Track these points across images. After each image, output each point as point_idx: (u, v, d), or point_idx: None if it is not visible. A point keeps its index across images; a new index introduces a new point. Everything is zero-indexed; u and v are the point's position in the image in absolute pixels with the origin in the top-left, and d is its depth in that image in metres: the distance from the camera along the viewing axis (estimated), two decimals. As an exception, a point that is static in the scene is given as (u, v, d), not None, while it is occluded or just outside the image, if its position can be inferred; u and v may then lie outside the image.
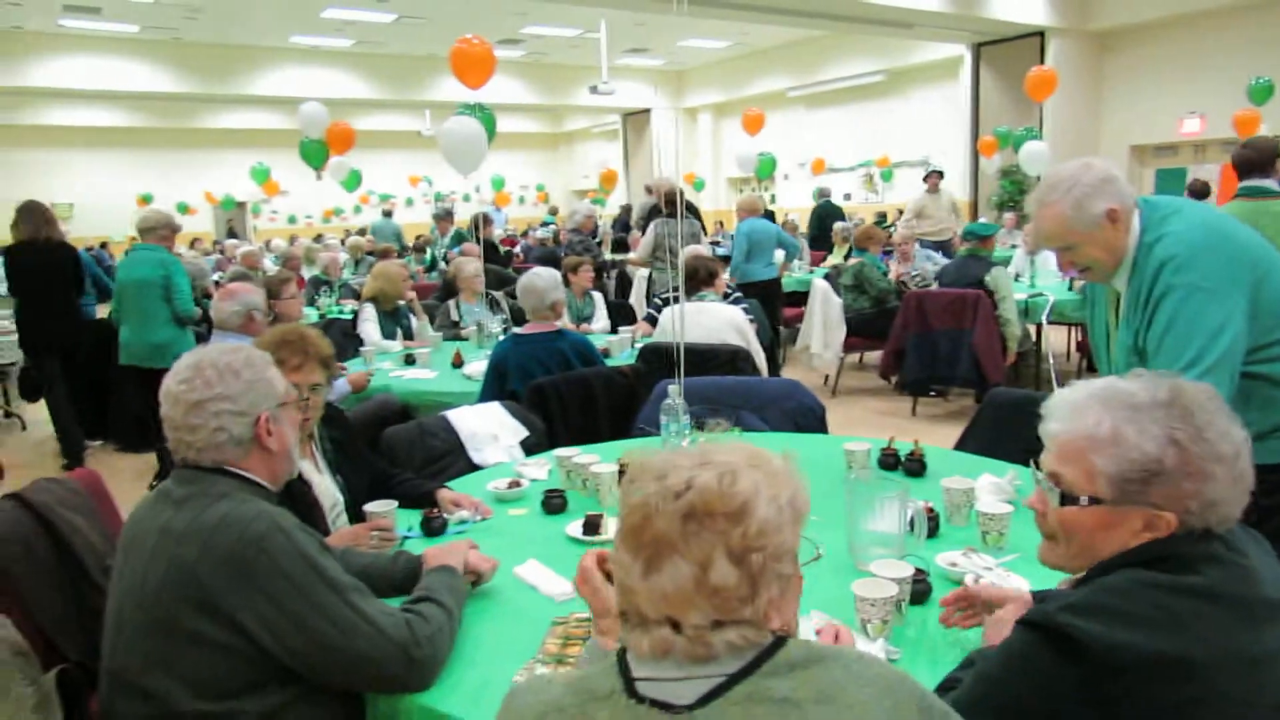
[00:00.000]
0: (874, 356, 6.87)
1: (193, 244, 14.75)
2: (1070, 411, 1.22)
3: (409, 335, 5.27)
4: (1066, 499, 1.21)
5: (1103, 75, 15.10)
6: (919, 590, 1.63)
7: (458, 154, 5.53)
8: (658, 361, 3.67)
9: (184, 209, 20.10)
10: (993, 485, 2.08)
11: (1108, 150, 15.15)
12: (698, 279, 4.18)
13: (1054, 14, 14.10)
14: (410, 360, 4.53)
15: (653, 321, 4.89)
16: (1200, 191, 8.83)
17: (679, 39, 18.28)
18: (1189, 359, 1.82)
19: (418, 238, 13.42)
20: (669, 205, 6.96)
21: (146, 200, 19.95)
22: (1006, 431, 2.63)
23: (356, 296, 7.10)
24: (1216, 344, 1.83)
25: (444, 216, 11.50)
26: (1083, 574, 1.23)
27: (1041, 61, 13.82)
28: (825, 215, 11.22)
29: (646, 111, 22.66)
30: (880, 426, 5.41)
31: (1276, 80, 11.27)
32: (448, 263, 8.28)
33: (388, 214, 14.68)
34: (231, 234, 20.45)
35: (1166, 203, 2.03)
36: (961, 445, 2.80)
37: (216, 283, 7.11)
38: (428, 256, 10.71)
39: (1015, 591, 1.49)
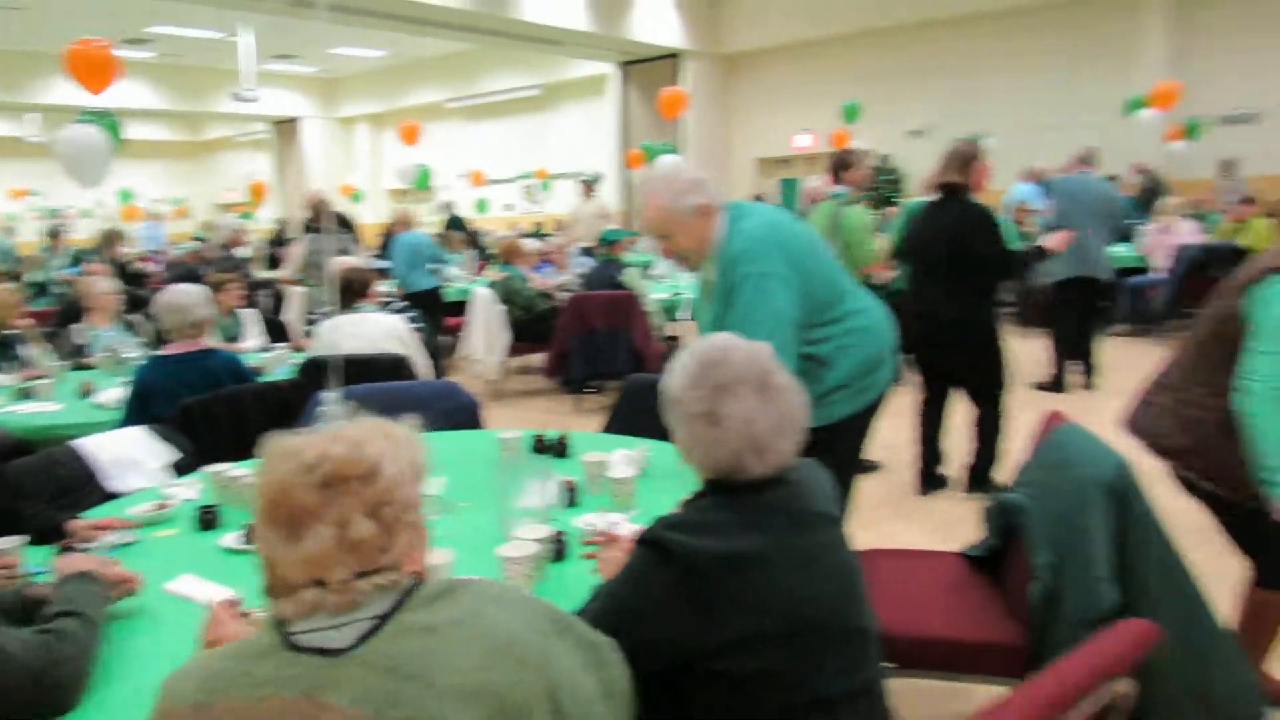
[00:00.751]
0: (539, 359, 7.17)
1: None
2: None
3: (23, 366, 4.69)
4: None
5: (731, 95, 16.81)
6: (558, 549, 1.85)
7: (77, 165, 5.03)
8: (316, 374, 3.64)
9: None
10: (625, 457, 2.37)
11: (738, 161, 16.89)
12: (352, 291, 4.18)
13: (687, 38, 15.47)
14: (26, 394, 4.06)
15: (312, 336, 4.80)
16: (757, 199, 10.86)
17: (330, 46, 17.66)
18: (762, 338, 2.21)
19: (21, 259, 11.78)
20: (320, 219, 6.81)
21: None
22: (642, 411, 2.96)
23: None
24: (782, 323, 2.25)
25: (52, 234, 10.25)
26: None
27: (676, 81, 15.11)
28: (451, 227, 11.55)
29: (297, 120, 21.62)
30: (546, 424, 5.70)
31: (863, 101, 13.25)
32: (70, 285, 7.41)
33: (8, 231, 12.75)
34: None
35: (744, 206, 2.47)
36: (608, 428, 3.11)
37: None
38: (31, 281, 9.39)
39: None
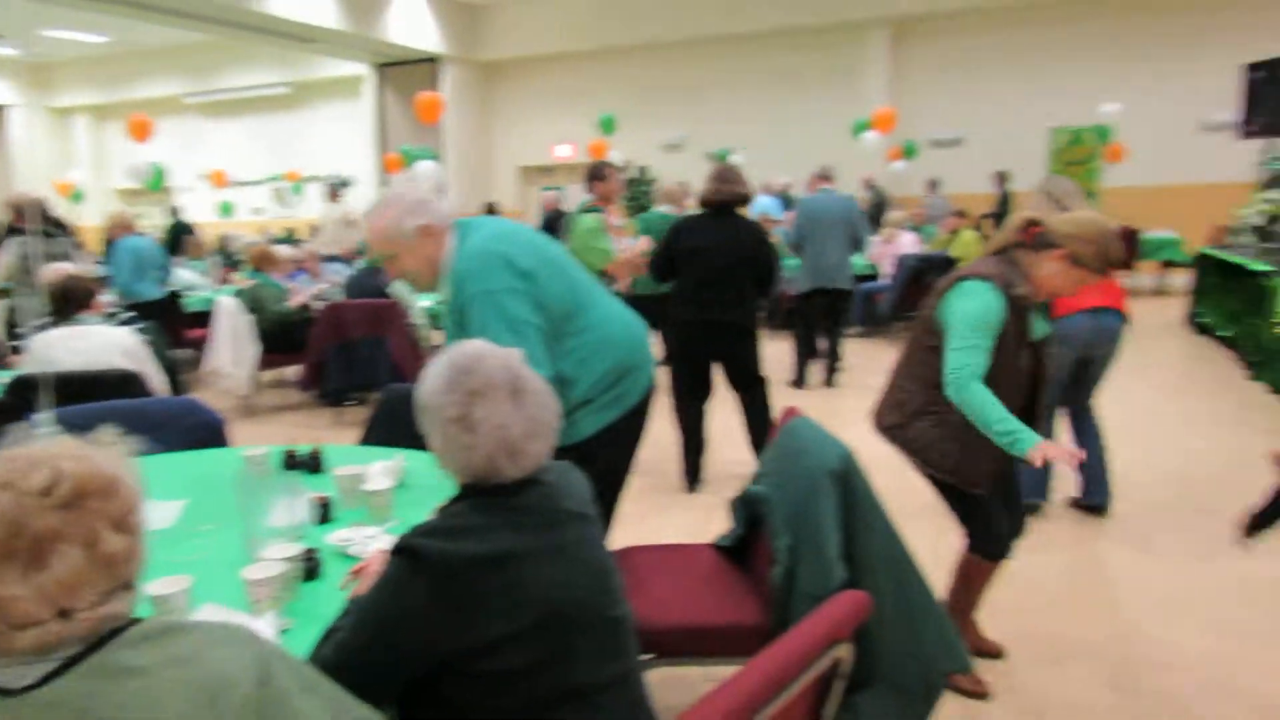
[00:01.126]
0: (294, 371, 6.82)
1: None
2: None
3: None
4: None
5: (492, 102, 16.76)
6: (309, 567, 1.79)
7: None
8: (27, 394, 3.27)
9: None
10: (383, 468, 2.32)
11: (500, 169, 16.88)
12: (71, 301, 3.78)
13: (446, 43, 15.25)
14: None
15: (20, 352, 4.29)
16: (490, 210, 11.35)
17: (40, 27, 15.82)
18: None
19: None
20: (30, 220, 6.11)
21: None
22: (401, 422, 2.90)
23: None
24: (523, 331, 2.23)
25: None
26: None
27: (435, 86, 14.86)
28: (180, 234, 10.79)
29: (1, 109, 19.20)
30: (301, 439, 5.43)
31: (621, 114, 13.65)
32: None
33: None
34: None
35: (472, 222, 2.41)
36: (365, 440, 3.02)
37: None
38: None
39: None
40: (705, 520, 4.19)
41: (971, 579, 2.74)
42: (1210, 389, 6.46)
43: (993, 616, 3.08)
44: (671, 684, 2.61)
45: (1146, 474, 4.57)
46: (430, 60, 15.34)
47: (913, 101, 13.53)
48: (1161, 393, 6.35)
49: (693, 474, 4.65)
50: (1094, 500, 4.04)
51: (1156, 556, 3.65)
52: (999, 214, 11.90)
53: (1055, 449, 2.24)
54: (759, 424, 4.65)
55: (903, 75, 13.72)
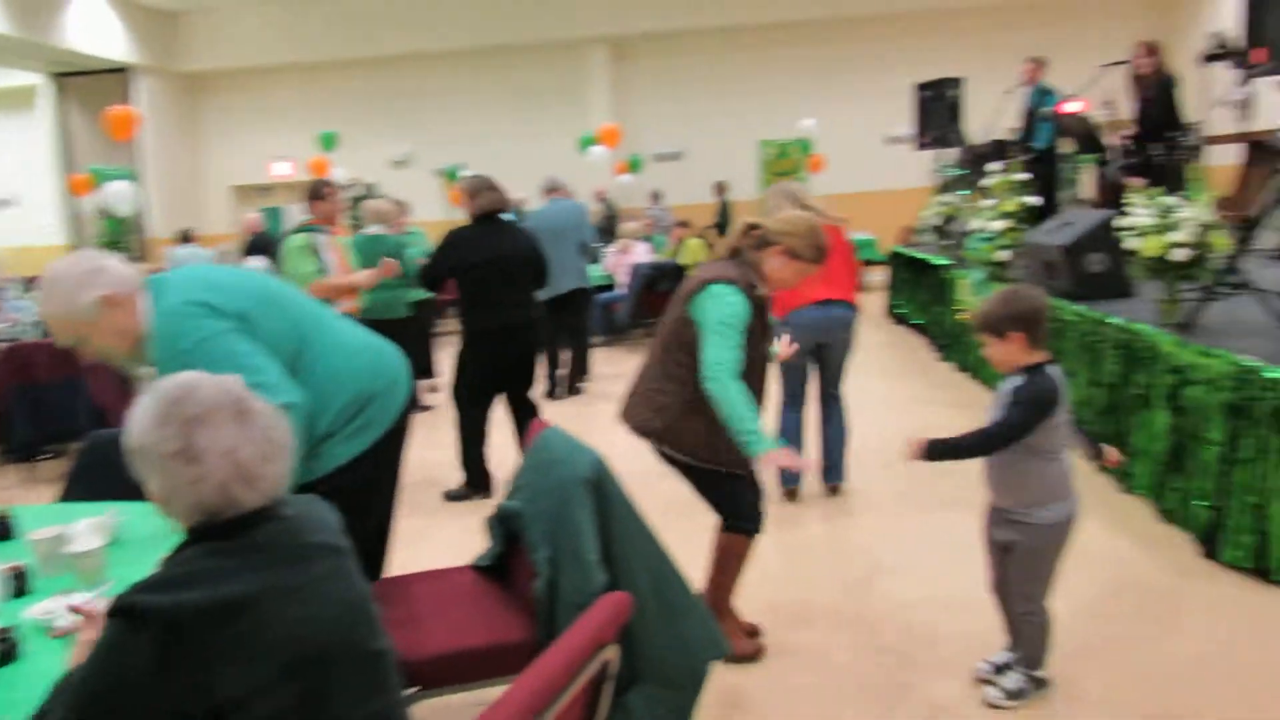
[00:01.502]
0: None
1: None
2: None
3: None
4: None
5: (199, 117, 15.53)
6: (4, 650, 1.55)
7: None
8: None
9: None
10: (90, 526, 2.07)
11: (211, 189, 15.68)
12: None
13: (138, 51, 13.93)
14: None
15: None
16: (185, 237, 10.96)
17: None
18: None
19: None
20: None
21: None
22: (110, 471, 2.60)
23: None
24: (256, 368, 2.04)
25: None
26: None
27: (128, 99, 13.52)
28: None
29: None
30: (-13, 501, 4.72)
31: (344, 130, 13.12)
32: None
33: None
34: None
35: (165, 278, 2.17)
36: (66, 496, 2.68)
37: None
38: None
39: None
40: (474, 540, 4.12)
41: (731, 559, 2.89)
42: (909, 371, 7.25)
43: (750, 593, 3.25)
44: (441, 715, 2.53)
45: (864, 448, 5.04)
46: (120, 70, 13.92)
47: (635, 117, 14.10)
48: (871, 377, 7.03)
49: (486, 483, 4.62)
50: (829, 481, 4.42)
51: (883, 523, 4.06)
52: (720, 224, 12.69)
53: (788, 458, 2.48)
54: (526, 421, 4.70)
55: (625, 92, 14.26)
